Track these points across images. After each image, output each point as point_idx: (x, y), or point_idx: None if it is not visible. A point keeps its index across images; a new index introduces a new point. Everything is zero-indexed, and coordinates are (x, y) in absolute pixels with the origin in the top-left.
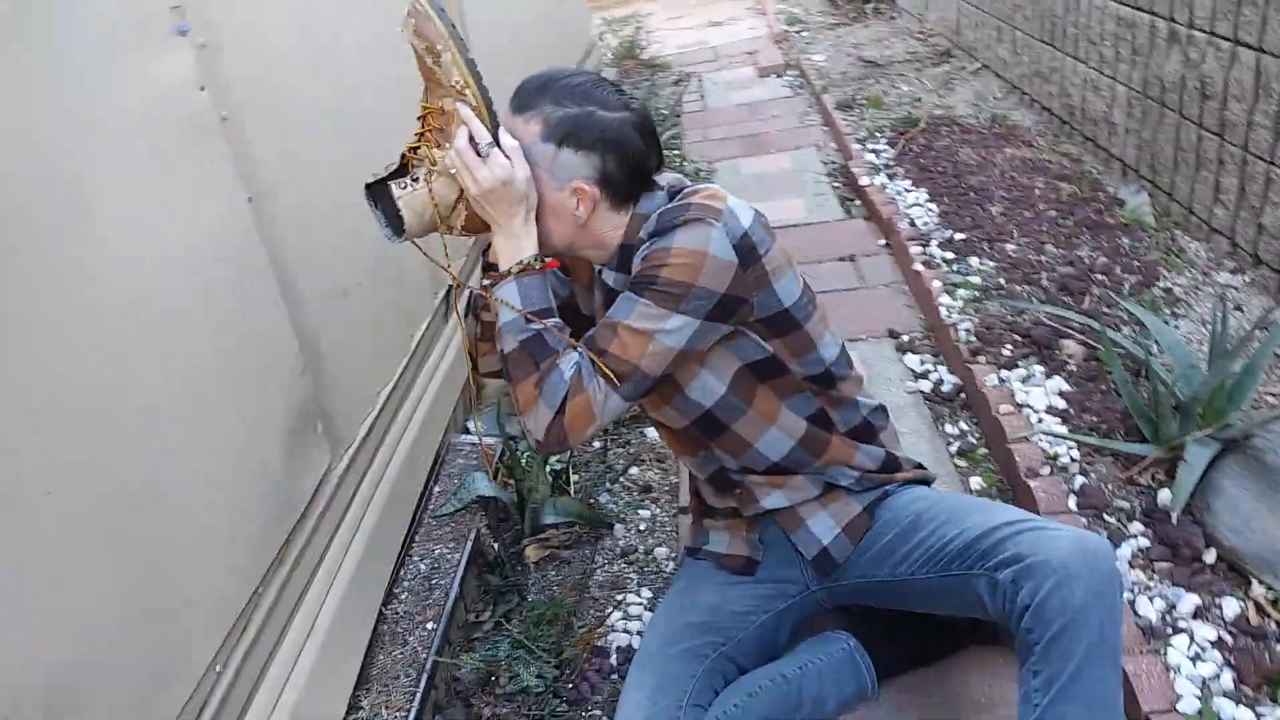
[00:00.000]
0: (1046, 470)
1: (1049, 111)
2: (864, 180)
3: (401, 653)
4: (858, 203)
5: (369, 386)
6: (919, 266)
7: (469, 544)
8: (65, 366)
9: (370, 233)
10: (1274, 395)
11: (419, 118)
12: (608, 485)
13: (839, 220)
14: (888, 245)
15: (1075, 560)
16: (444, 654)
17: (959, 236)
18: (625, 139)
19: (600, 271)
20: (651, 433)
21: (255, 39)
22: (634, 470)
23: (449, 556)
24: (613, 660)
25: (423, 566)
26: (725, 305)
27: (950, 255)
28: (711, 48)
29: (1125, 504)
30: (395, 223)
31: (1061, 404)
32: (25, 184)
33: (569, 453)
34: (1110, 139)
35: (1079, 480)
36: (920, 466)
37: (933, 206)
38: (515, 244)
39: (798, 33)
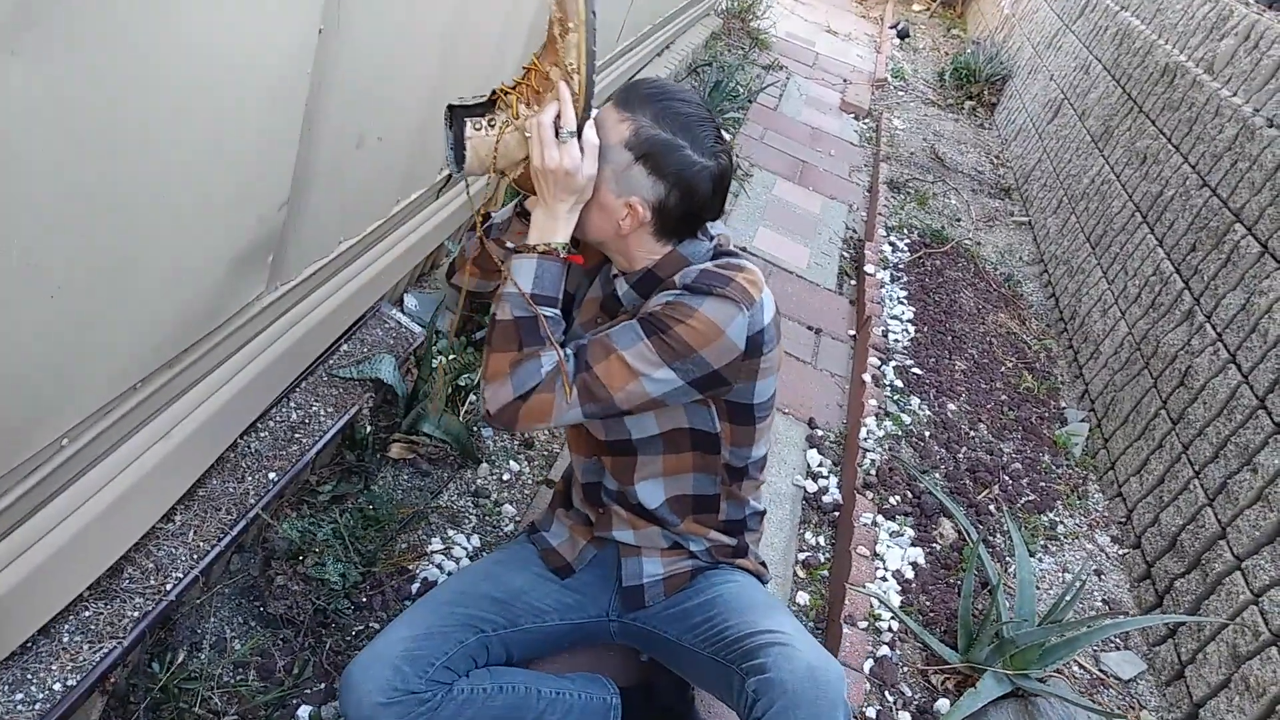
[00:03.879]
0: (864, 625)
1: (1056, 302)
2: (869, 268)
3: (233, 488)
4: (853, 283)
5: (332, 235)
6: (867, 378)
7: (345, 417)
8: (120, 127)
9: (407, 95)
10: (1082, 667)
11: (525, 68)
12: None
13: (828, 290)
14: (854, 338)
15: (806, 687)
16: (270, 509)
17: (916, 371)
18: (697, 185)
19: (615, 274)
20: None
21: None
22: None
23: (321, 420)
24: (413, 588)
25: (294, 416)
26: (711, 380)
27: (899, 384)
28: (815, 52)
29: (908, 692)
30: (458, 154)
31: (910, 574)
32: None
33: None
34: (1089, 362)
35: (883, 650)
36: (763, 564)
37: (911, 329)
38: (552, 224)
39: (896, 88)
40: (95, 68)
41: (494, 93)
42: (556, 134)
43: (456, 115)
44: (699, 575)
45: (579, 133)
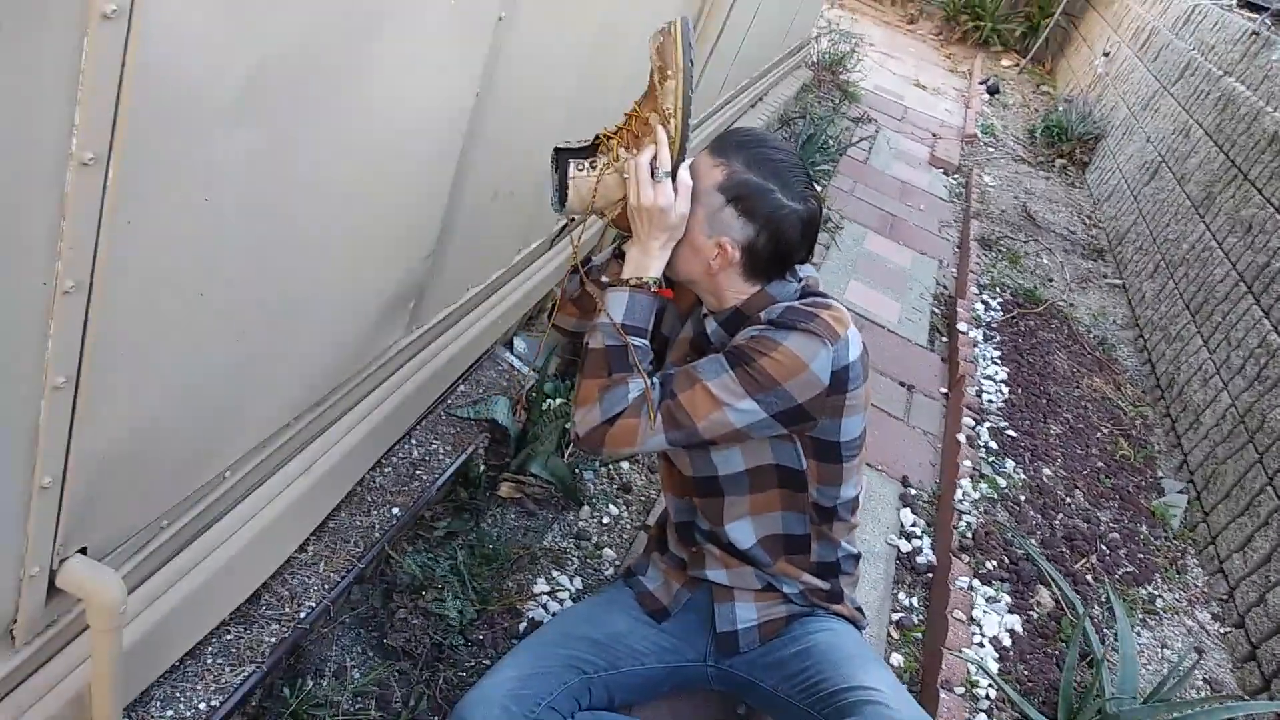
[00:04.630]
0: (960, 690)
1: (1152, 368)
2: (961, 326)
3: (361, 521)
4: (944, 340)
5: (462, 283)
6: (962, 438)
7: (463, 456)
8: (314, 174)
9: (535, 149)
10: None
11: (626, 114)
12: (596, 465)
13: (920, 346)
14: (947, 396)
15: None
16: (395, 542)
17: (1010, 433)
18: (787, 229)
19: (705, 314)
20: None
21: None
22: (625, 465)
23: (441, 457)
24: (521, 627)
25: (416, 453)
26: (795, 414)
27: (994, 445)
28: (904, 106)
29: None
30: (561, 194)
31: (1007, 641)
32: (337, 27)
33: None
34: (1188, 433)
35: (980, 718)
36: (860, 610)
37: (1004, 390)
38: (645, 260)
39: (985, 144)
40: (294, 137)
41: (597, 137)
42: (653, 174)
43: (561, 157)
44: (794, 621)
45: (674, 174)
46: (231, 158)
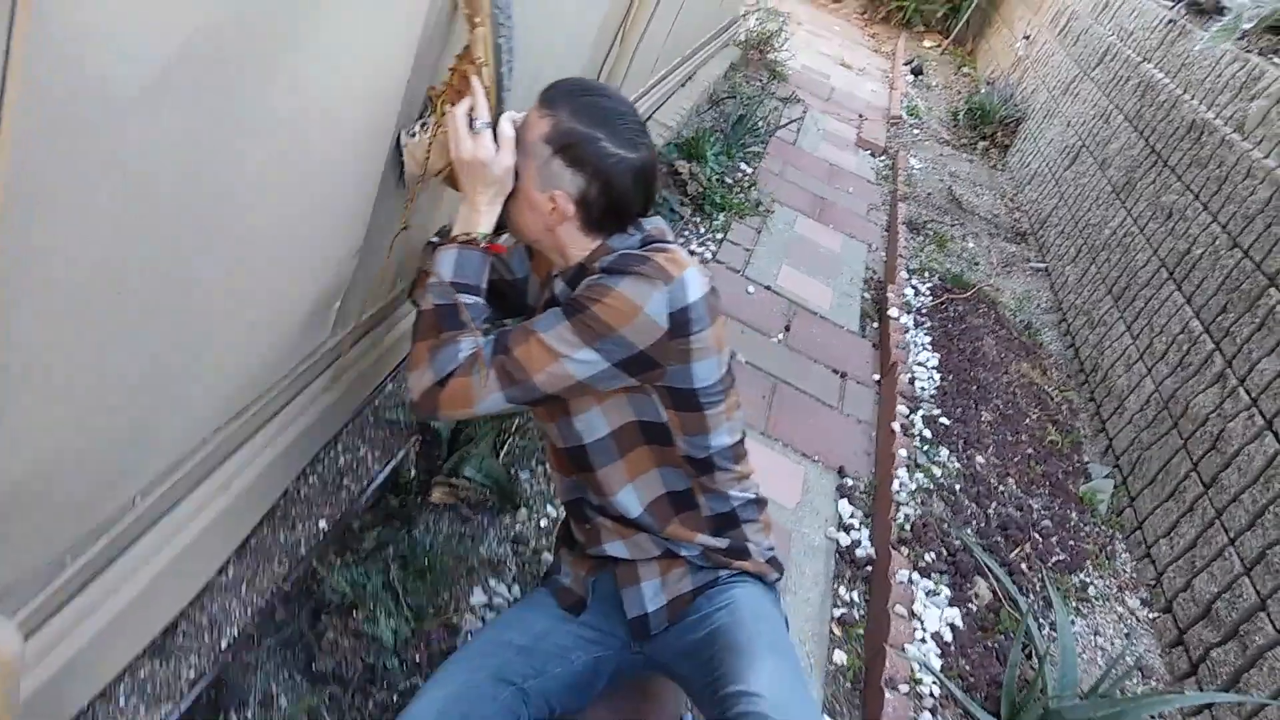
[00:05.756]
0: (904, 688)
1: (1076, 352)
2: (892, 312)
3: (285, 537)
4: (875, 325)
5: (389, 278)
6: (896, 427)
7: (393, 462)
8: (243, 159)
9: None
10: None
11: (450, 68)
12: (533, 464)
13: (851, 332)
14: (880, 383)
15: None
16: (322, 557)
17: (944, 420)
18: (616, 176)
19: (554, 275)
20: None
21: None
22: None
23: (370, 464)
24: (458, 642)
25: (343, 460)
26: (638, 361)
27: (928, 434)
28: (831, 86)
29: None
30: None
31: (949, 636)
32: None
33: (520, 415)
34: (1113, 417)
35: (925, 716)
36: (772, 560)
37: (936, 377)
38: (473, 216)
39: (910, 126)
40: (213, 127)
41: (428, 95)
42: (471, 126)
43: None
44: (700, 596)
45: (494, 124)
46: (142, 151)
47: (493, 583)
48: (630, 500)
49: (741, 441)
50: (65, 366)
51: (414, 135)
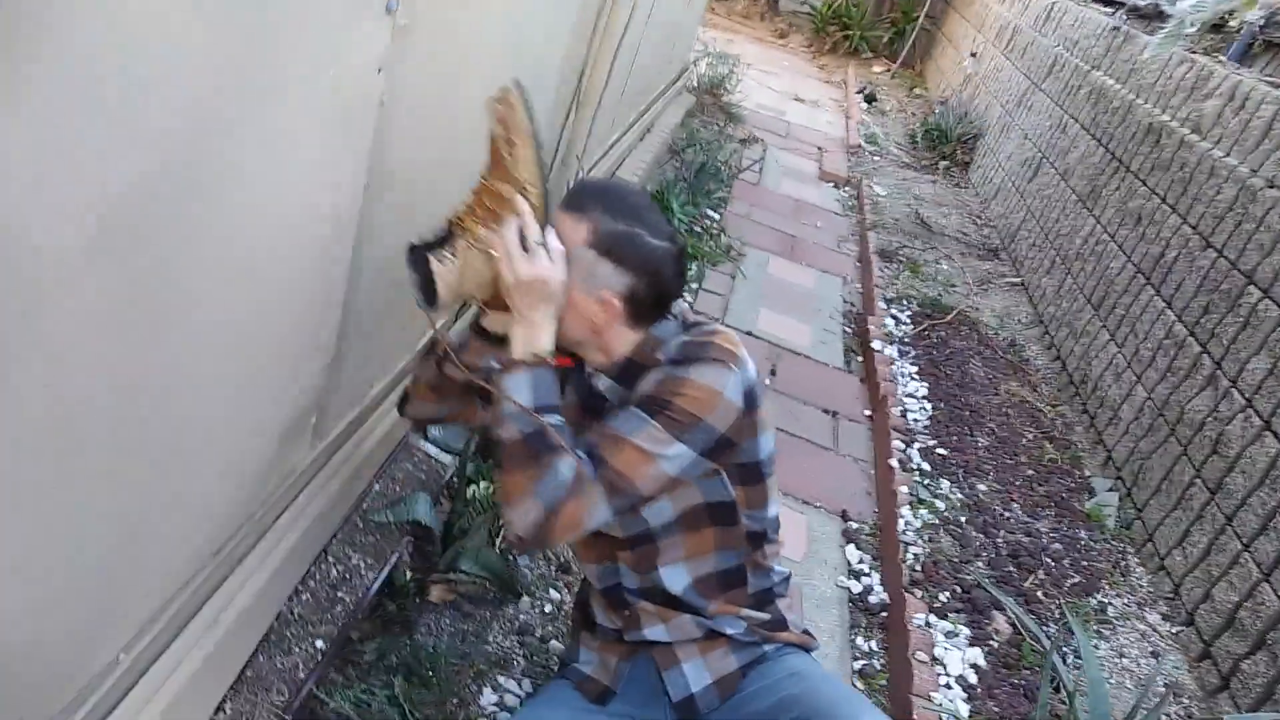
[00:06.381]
0: None
1: (1063, 365)
2: (875, 344)
3: (282, 662)
4: (859, 359)
5: (366, 380)
6: (894, 463)
7: (386, 568)
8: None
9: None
10: None
11: (474, 190)
12: (532, 550)
13: (837, 369)
14: (872, 418)
15: None
16: (322, 678)
17: (940, 451)
18: (662, 268)
19: (590, 373)
20: None
21: (448, 26)
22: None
23: (363, 572)
24: None
25: (334, 572)
26: (720, 445)
27: (926, 466)
28: (787, 122)
29: None
30: (428, 293)
31: (973, 678)
32: (194, 143)
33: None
34: (1108, 428)
35: None
36: (807, 633)
37: (928, 406)
38: (534, 335)
39: (870, 154)
40: (162, 270)
41: (450, 223)
42: (524, 247)
43: (418, 254)
44: (751, 671)
45: (544, 240)
46: (88, 308)
47: (501, 679)
48: (678, 577)
49: (778, 512)
50: (28, 535)
51: (444, 262)
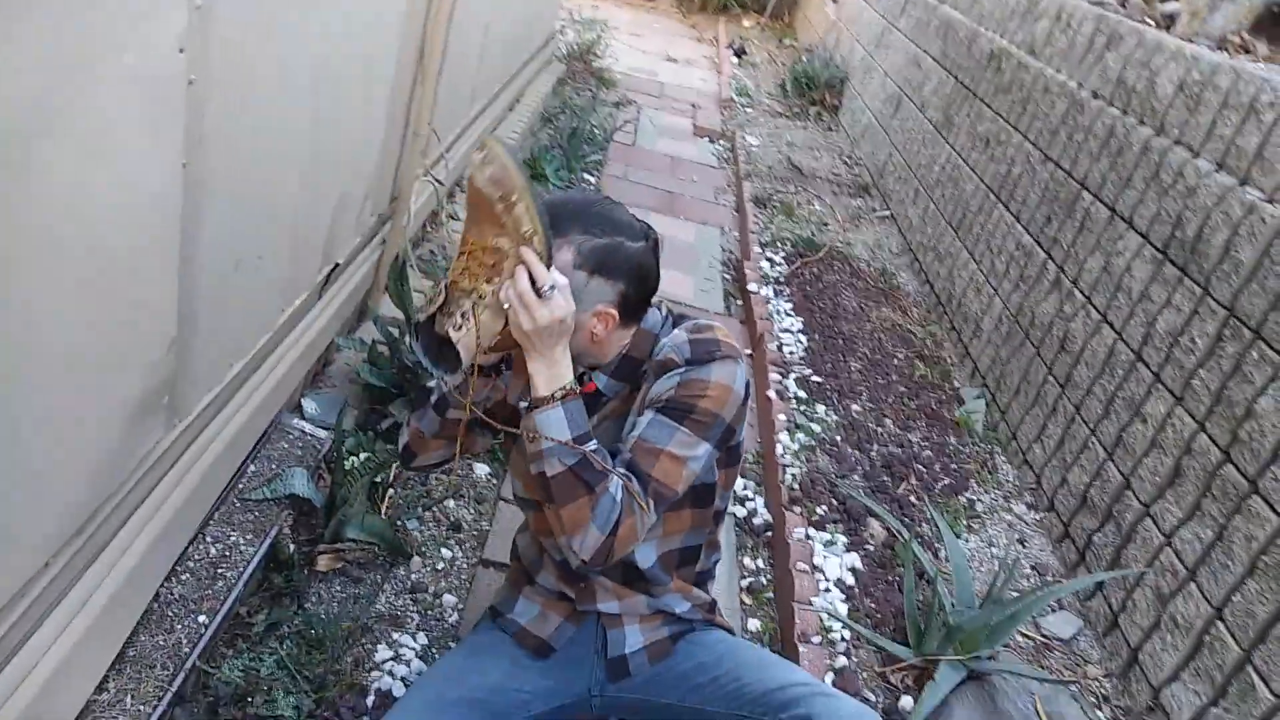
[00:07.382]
0: (817, 639)
1: (931, 287)
2: (752, 286)
3: (165, 640)
4: (739, 302)
5: (223, 359)
6: (772, 394)
7: (267, 542)
8: None
9: (278, 210)
10: (1025, 636)
11: (463, 251)
12: (420, 511)
13: (717, 314)
14: (751, 356)
15: None
16: (205, 654)
17: (816, 379)
18: (647, 269)
19: (582, 372)
20: (480, 468)
21: (252, 4)
22: (450, 503)
23: (243, 548)
24: (369, 701)
25: (213, 550)
26: (728, 433)
27: (803, 394)
28: (660, 82)
29: (872, 696)
30: (447, 360)
31: (851, 580)
32: (13, 117)
33: (399, 466)
34: (973, 339)
35: (841, 660)
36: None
37: (803, 339)
38: (556, 371)
39: (743, 106)
40: None
41: (446, 288)
42: (538, 294)
43: (424, 328)
44: (679, 640)
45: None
46: None
47: (396, 635)
48: (646, 554)
49: None
50: None
51: (459, 328)
